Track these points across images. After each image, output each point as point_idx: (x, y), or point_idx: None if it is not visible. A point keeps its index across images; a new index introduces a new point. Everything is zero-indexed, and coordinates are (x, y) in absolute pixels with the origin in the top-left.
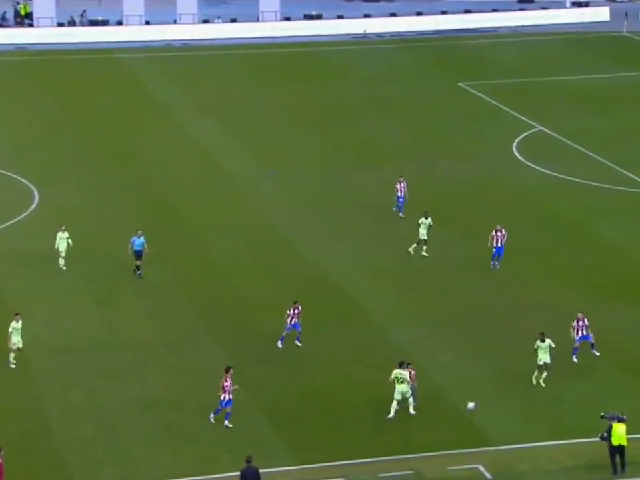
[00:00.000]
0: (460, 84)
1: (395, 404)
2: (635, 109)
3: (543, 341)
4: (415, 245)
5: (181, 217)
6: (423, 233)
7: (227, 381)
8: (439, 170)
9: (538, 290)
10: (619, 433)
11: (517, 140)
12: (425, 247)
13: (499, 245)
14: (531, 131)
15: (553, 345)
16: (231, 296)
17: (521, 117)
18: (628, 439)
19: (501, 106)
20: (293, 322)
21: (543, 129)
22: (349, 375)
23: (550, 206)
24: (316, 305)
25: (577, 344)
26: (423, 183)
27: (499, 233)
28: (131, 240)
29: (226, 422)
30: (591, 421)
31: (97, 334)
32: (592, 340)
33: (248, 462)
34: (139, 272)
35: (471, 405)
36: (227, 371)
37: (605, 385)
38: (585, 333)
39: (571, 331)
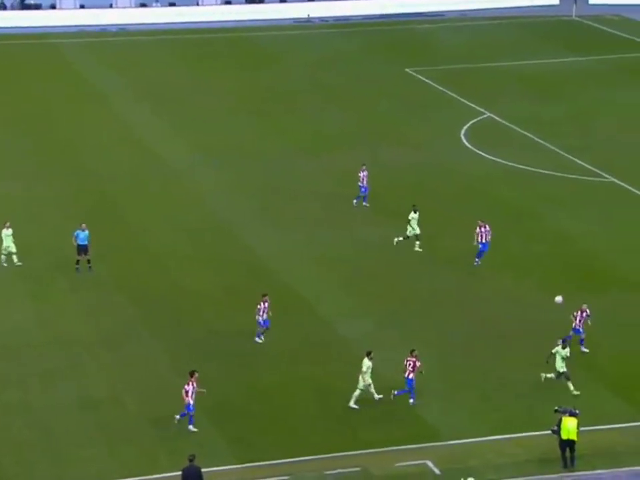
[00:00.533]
0: (407, 69)
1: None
2: (584, 95)
3: (565, 347)
4: (401, 238)
5: (118, 208)
6: (414, 228)
7: (188, 385)
8: (385, 158)
9: (489, 280)
10: (569, 427)
11: (465, 127)
12: (418, 242)
13: (484, 241)
14: (479, 118)
15: (568, 355)
16: (171, 288)
17: (469, 103)
18: (579, 433)
19: (449, 92)
20: (264, 317)
21: (491, 115)
22: (295, 369)
23: (499, 194)
24: (257, 296)
25: (582, 335)
26: (369, 172)
27: (482, 229)
28: (74, 233)
29: (190, 426)
30: (540, 414)
31: (32, 331)
32: (583, 335)
33: (190, 460)
34: (89, 265)
35: (558, 298)
36: (191, 374)
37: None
38: (579, 326)
39: (572, 319)
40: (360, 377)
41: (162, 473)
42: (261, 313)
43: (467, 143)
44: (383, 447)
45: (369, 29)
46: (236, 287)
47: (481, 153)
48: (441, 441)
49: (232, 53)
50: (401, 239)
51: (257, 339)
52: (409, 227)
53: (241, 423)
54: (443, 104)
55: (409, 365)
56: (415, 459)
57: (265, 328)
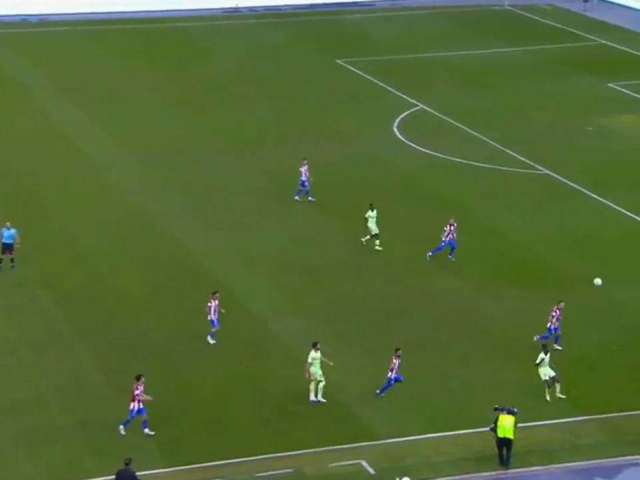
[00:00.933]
0: (338, 61)
1: (312, 386)
2: (517, 86)
3: (547, 353)
4: (368, 237)
5: (42, 205)
6: (372, 227)
7: (137, 389)
8: (317, 152)
9: (423, 276)
10: (505, 425)
11: (397, 119)
12: (377, 241)
13: (449, 238)
14: (411, 110)
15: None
16: (98, 288)
17: (401, 94)
18: (515, 432)
19: (380, 83)
20: (216, 316)
21: (424, 107)
22: (228, 369)
23: (433, 188)
24: (190, 295)
25: (555, 333)
26: (297, 166)
27: (451, 227)
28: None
29: (146, 430)
30: (475, 411)
31: None
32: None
33: (126, 464)
34: (12, 264)
35: (598, 281)
36: (137, 379)
37: (491, 373)
38: (555, 325)
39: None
40: (307, 370)
41: (88, 477)
42: (212, 312)
43: (399, 136)
44: (317, 447)
45: (298, 19)
46: (165, 284)
47: (414, 145)
48: (375, 440)
49: (159, 44)
50: (368, 237)
51: (209, 339)
52: (368, 225)
53: (171, 424)
54: (375, 95)
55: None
56: (350, 459)
57: (217, 328)
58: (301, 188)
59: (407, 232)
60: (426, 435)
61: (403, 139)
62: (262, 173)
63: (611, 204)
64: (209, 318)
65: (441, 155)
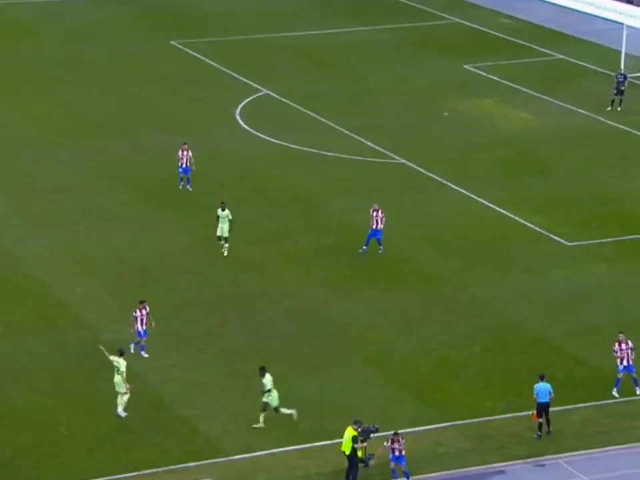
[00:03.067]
0: (173, 42)
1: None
2: (368, 69)
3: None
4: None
5: None
6: (223, 228)
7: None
8: (151, 143)
9: (272, 278)
10: (344, 438)
11: (240, 106)
12: (225, 245)
13: (377, 227)
14: (255, 95)
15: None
16: None
17: (243, 79)
18: (352, 447)
19: (221, 67)
20: (144, 327)
21: (268, 92)
22: (57, 385)
23: (283, 180)
24: (14, 307)
25: (620, 375)
26: (132, 159)
27: (375, 213)
28: None
29: (142, 352)
30: (329, 424)
31: None
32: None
33: None
34: None
35: None
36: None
37: (347, 379)
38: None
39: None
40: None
41: None
42: (140, 322)
43: (243, 124)
44: (160, 467)
45: None
46: None
47: (259, 134)
48: (223, 457)
49: None
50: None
51: (142, 352)
52: (220, 226)
53: None
54: (215, 80)
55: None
56: (195, 477)
57: (144, 339)
58: (181, 176)
59: (254, 229)
60: (277, 449)
61: (247, 127)
62: (92, 167)
63: (471, 195)
64: (136, 328)
65: (289, 145)
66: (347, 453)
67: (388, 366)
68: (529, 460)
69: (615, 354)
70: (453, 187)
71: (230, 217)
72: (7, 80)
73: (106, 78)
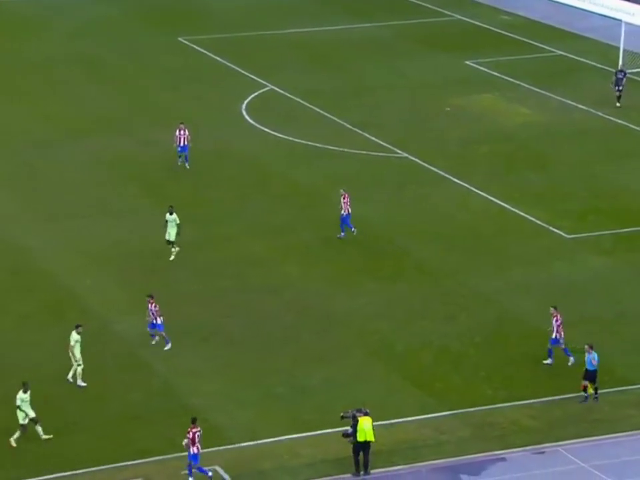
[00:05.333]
0: (180, 39)
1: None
2: (370, 65)
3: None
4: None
5: None
6: (169, 232)
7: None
8: (158, 140)
9: (275, 271)
10: (365, 428)
11: (245, 101)
12: (173, 250)
13: (345, 212)
14: (260, 91)
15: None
16: None
17: (249, 74)
18: (374, 433)
19: (227, 63)
20: (156, 320)
21: (274, 87)
22: (65, 373)
23: (286, 174)
24: (24, 299)
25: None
26: (139, 154)
27: (342, 199)
28: None
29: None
30: (335, 410)
31: None
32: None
33: None
34: None
35: None
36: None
37: (350, 370)
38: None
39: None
40: (70, 353)
41: None
42: (153, 316)
43: (249, 119)
44: (166, 454)
45: None
46: None
47: (265, 129)
48: (229, 444)
49: None
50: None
51: (167, 345)
52: (168, 229)
53: (4, 436)
54: (221, 76)
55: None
56: (203, 465)
57: (159, 332)
58: (179, 154)
59: (258, 222)
60: (283, 436)
61: (252, 122)
62: (99, 162)
63: (472, 188)
64: (154, 321)
65: (294, 139)
66: (373, 440)
67: (390, 357)
68: (529, 448)
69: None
70: (455, 180)
71: (177, 222)
72: (16, 77)
73: (114, 74)
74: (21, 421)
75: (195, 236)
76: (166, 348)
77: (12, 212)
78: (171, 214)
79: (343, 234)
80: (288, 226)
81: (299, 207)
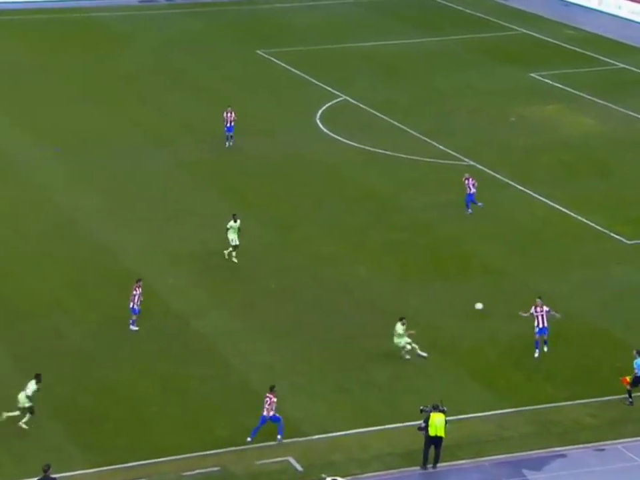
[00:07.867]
0: (258, 51)
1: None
2: (439, 77)
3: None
4: (230, 249)
5: None
6: (232, 238)
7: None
8: (237, 146)
9: (346, 271)
10: (437, 424)
11: (320, 111)
12: (234, 253)
13: (471, 192)
14: (335, 101)
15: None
16: (10, 288)
17: (323, 85)
18: (446, 429)
19: (303, 74)
20: (138, 304)
21: (347, 98)
22: (150, 367)
23: (358, 180)
24: (108, 294)
25: (537, 337)
26: (219, 161)
27: (467, 181)
28: None
29: (132, 327)
30: (401, 406)
31: None
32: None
33: (45, 471)
34: None
35: (479, 305)
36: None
37: (417, 366)
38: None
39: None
40: None
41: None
42: (135, 300)
43: (323, 128)
44: (243, 445)
45: (217, 9)
46: (85, 286)
47: (338, 137)
48: (302, 437)
49: (71, 36)
50: (230, 250)
51: (132, 327)
52: (228, 236)
53: (93, 424)
54: (297, 87)
55: (267, 402)
56: (277, 456)
57: (137, 315)
58: (226, 134)
59: (331, 225)
60: (353, 430)
61: (326, 131)
62: (182, 167)
63: (535, 195)
64: (130, 305)
65: (365, 147)
66: (445, 436)
67: (455, 354)
68: (589, 445)
69: (532, 316)
70: (519, 187)
71: (240, 227)
72: (106, 87)
73: (196, 84)
74: (27, 405)
75: (273, 237)
76: (132, 328)
77: (104, 213)
78: (235, 221)
79: (469, 210)
80: (360, 228)
81: (370, 211)
